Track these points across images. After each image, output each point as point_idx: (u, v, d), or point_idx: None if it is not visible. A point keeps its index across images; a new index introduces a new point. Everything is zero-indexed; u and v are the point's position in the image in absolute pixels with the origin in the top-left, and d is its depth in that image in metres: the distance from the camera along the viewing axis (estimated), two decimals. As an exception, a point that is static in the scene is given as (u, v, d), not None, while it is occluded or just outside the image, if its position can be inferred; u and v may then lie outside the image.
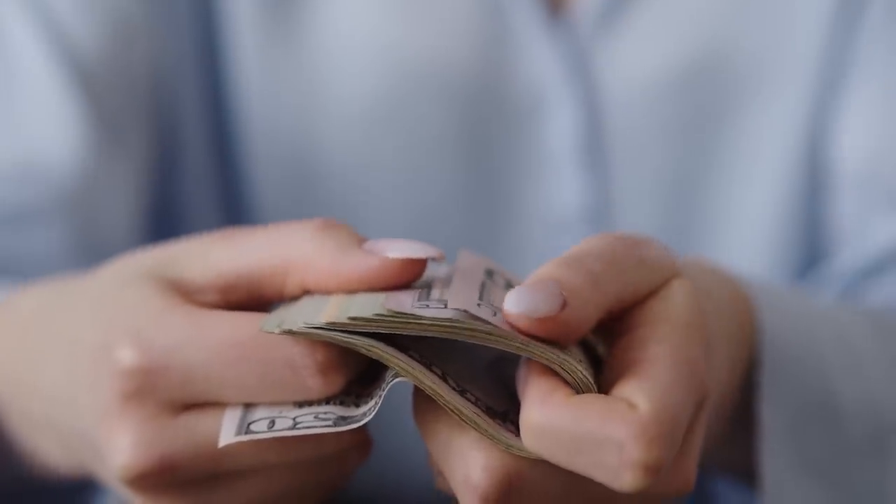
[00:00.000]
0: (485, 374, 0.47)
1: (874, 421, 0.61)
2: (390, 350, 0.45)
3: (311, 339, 0.46)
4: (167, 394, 0.47)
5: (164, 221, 0.80)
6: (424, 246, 0.47)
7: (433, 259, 0.47)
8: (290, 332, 0.46)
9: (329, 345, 0.46)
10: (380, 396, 0.46)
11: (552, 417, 0.43)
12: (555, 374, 0.45)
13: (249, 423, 0.47)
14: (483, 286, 0.47)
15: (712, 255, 0.74)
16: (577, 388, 0.45)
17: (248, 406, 0.47)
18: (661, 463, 0.42)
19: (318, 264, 0.48)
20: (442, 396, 0.45)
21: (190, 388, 0.47)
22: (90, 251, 0.73)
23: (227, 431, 0.46)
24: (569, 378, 0.44)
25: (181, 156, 0.79)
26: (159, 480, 0.48)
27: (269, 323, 0.47)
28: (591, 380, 0.45)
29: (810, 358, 0.60)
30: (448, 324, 0.44)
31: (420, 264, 0.47)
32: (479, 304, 0.45)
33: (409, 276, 0.47)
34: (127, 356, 0.47)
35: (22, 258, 0.72)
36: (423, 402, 0.46)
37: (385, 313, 0.44)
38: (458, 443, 0.45)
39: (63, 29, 0.74)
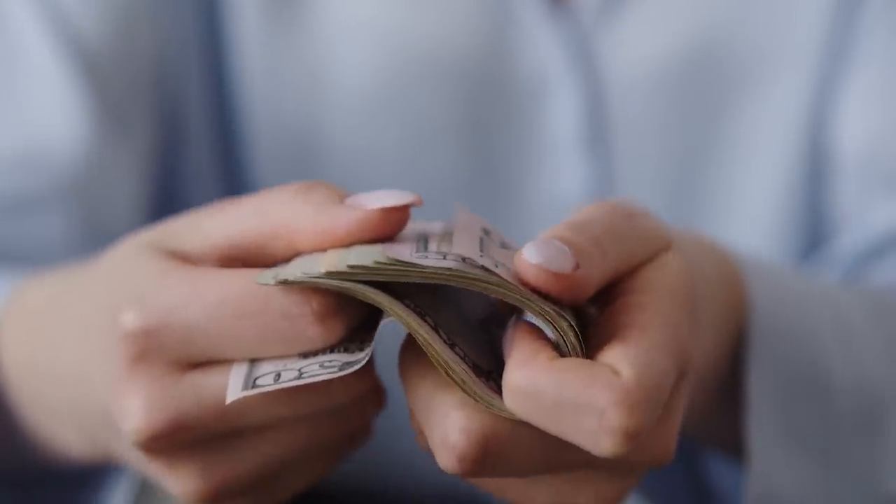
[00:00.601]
0: (473, 332, 0.47)
1: (867, 398, 0.61)
2: (387, 297, 0.45)
3: (306, 287, 0.46)
4: (172, 353, 0.48)
5: (167, 209, 0.80)
6: (403, 193, 0.48)
7: (412, 204, 0.48)
8: (286, 283, 0.46)
9: (325, 293, 0.46)
10: (378, 330, 0.46)
11: (534, 380, 0.43)
12: (540, 336, 0.45)
13: (255, 378, 0.47)
14: (482, 241, 0.48)
15: (714, 241, 0.75)
16: (564, 351, 0.45)
17: (254, 361, 0.48)
18: (640, 429, 0.43)
19: (303, 225, 0.48)
20: (432, 346, 0.45)
21: (192, 346, 0.48)
22: (94, 239, 0.73)
23: (233, 387, 0.47)
24: (557, 338, 0.45)
25: (185, 144, 0.79)
26: (172, 441, 0.48)
27: (263, 276, 0.47)
28: (578, 344, 0.45)
29: (800, 332, 0.60)
30: (448, 272, 0.45)
31: (402, 212, 0.47)
32: (481, 255, 0.46)
33: (394, 225, 0.47)
34: (130, 320, 0.48)
35: (25, 246, 0.73)
36: (409, 356, 0.47)
37: (385, 261, 0.45)
38: (440, 402, 0.45)
39: (68, 18, 0.74)
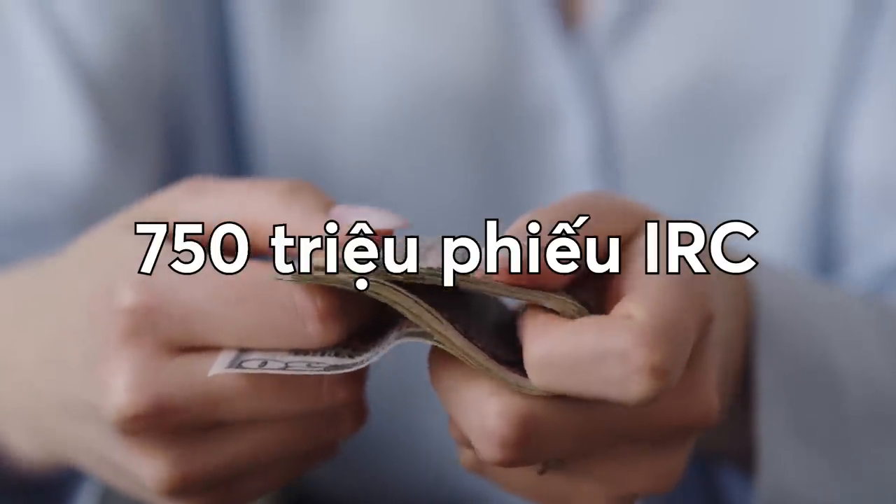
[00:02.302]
0: (490, 331, 0.47)
1: (876, 399, 0.61)
2: (400, 294, 0.45)
3: (319, 283, 0.46)
4: (165, 334, 0.47)
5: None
6: (391, 216, 0.48)
7: (399, 227, 0.47)
8: (298, 279, 0.46)
9: (330, 293, 0.46)
10: (383, 347, 0.46)
11: (550, 345, 0.43)
12: (550, 312, 0.45)
13: (242, 361, 0.47)
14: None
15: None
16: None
17: (245, 350, 0.47)
18: (666, 364, 0.42)
19: (287, 224, 0.48)
20: (450, 340, 0.45)
21: (188, 328, 0.47)
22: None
23: (218, 364, 0.47)
24: (561, 310, 0.45)
25: (192, 166, 0.79)
26: (153, 423, 0.48)
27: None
28: (582, 307, 0.45)
29: (807, 330, 0.60)
30: (439, 273, 0.45)
31: (388, 233, 0.47)
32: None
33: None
34: (127, 296, 0.47)
35: None
36: (437, 364, 0.46)
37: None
38: (472, 393, 0.45)
39: (74, 40, 0.74)
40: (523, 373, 0.45)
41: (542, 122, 0.77)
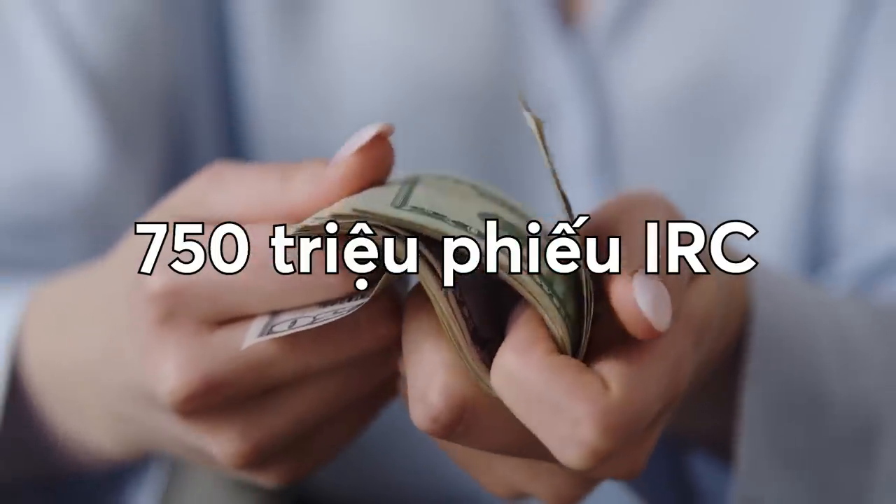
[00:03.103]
0: (486, 288, 0.47)
1: (863, 420, 0.61)
2: (403, 246, 0.45)
3: (344, 227, 0.46)
4: (199, 312, 0.48)
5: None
6: (370, 127, 0.49)
7: (383, 133, 0.48)
8: (305, 229, 0.47)
9: (341, 242, 0.47)
10: (392, 272, 0.46)
11: (525, 369, 0.43)
12: (544, 323, 0.45)
13: (273, 326, 0.48)
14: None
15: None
16: (558, 344, 0.45)
17: (276, 313, 0.48)
18: (609, 451, 0.43)
19: (300, 201, 0.49)
20: (439, 305, 0.45)
21: (219, 302, 0.48)
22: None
23: (251, 335, 0.48)
24: (549, 322, 0.45)
25: (193, 166, 0.79)
26: (207, 401, 0.48)
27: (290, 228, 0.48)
28: (563, 338, 0.45)
29: (800, 349, 0.60)
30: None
31: (378, 144, 0.48)
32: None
33: (380, 158, 0.48)
34: (154, 281, 0.48)
35: (38, 268, 0.72)
36: (414, 308, 0.47)
37: (385, 211, 0.45)
38: (430, 356, 0.45)
39: (78, 43, 0.74)
40: (492, 354, 0.45)
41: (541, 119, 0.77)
